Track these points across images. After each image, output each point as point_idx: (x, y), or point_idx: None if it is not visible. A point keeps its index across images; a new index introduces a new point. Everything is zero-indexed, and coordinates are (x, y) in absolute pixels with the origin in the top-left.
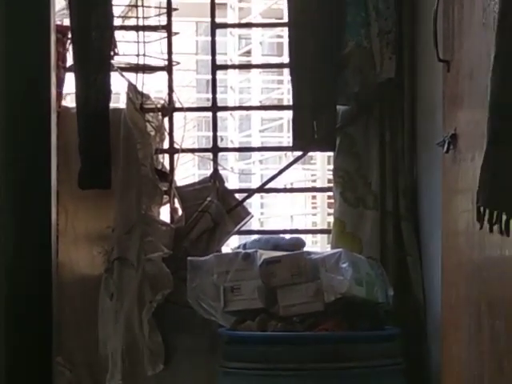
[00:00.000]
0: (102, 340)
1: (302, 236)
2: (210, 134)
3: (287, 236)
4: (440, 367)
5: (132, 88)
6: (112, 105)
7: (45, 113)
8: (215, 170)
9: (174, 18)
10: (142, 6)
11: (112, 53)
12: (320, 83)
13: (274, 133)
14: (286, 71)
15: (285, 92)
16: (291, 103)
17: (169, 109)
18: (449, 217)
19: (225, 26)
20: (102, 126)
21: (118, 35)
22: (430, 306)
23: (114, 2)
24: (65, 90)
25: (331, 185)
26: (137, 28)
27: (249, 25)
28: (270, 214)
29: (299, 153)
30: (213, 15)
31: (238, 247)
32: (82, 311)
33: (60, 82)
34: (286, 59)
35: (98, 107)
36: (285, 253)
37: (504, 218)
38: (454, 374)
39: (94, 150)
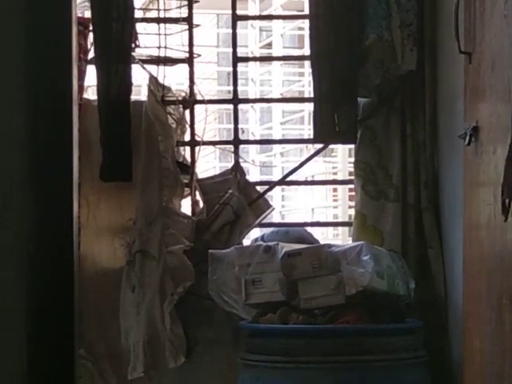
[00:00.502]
0: (124, 332)
1: (323, 229)
2: (231, 126)
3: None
4: (461, 359)
5: (153, 80)
6: (133, 97)
7: (66, 105)
8: (236, 163)
9: (194, 10)
10: None
11: (133, 45)
12: (341, 75)
13: (295, 125)
14: (307, 63)
15: (306, 84)
16: (312, 95)
17: (190, 101)
18: (470, 209)
19: (246, 18)
20: (123, 119)
21: (140, 27)
22: (451, 298)
23: None
24: (86, 83)
25: (352, 177)
26: (158, 20)
27: (270, 17)
28: (291, 207)
29: (320, 145)
30: (234, 7)
31: (256, 239)
32: (103, 304)
33: (81, 75)
34: (307, 51)
35: (120, 99)
36: (306, 245)
37: None
38: (476, 367)
39: (115, 143)
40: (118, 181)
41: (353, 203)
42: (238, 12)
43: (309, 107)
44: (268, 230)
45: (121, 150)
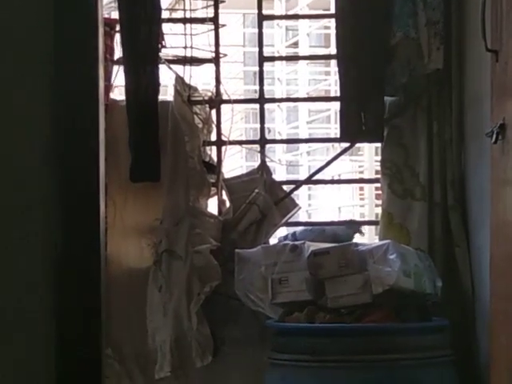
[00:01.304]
0: (151, 332)
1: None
2: (258, 125)
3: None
4: (489, 358)
5: (179, 80)
6: (160, 97)
7: (93, 106)
8: (263, 162)
9: (220, 10)
10: None
11: (160, 45)
12: (368, 74)
13: (322, 124)
14: (334, 62)
15: (332, 83)
16: (339, 94)
17: (216, 101)
18: (498, 208)
19: (272, 17)
20: (151, 119)
21: (166, 28)
22: (478, 296)
23: None
24: (113, 83)
25: (379, 176)
26: (184, 20)
27: (296, 16)
28: (317, 206)
29: (347, 144)
30: (260, 7)
31: (286, 237)
32: (130, 303)
33: (108, 75)
34: (333, 50)
35: (147, 100)
36: (332, 244)
37: None
38: (504, 365)
39: (144, 143)
40: (148, 181)
41: (379, 202)
42: (264, 12)
43: (335, 106)
44: (298, 229)
45: (149, 151)
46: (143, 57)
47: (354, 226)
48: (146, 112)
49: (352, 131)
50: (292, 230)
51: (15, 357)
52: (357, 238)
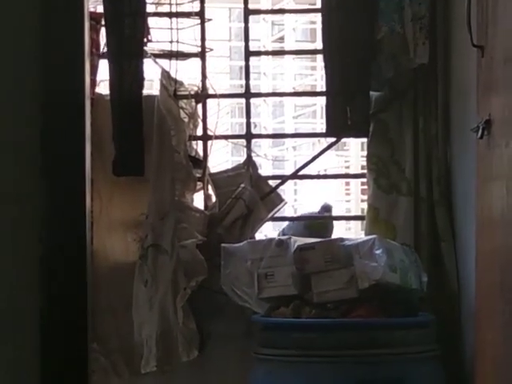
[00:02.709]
0: (137, 326)
1: (336, 223)
2: (244, 120)
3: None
4: (474, 353)
5: (165, 75)
6: (145, 92)
7: (79, 100)
8: (249, 157)
9: (206, 5)
10: None
11: (145, 39)
12: (353, 69)
13: (308, 119)
14: (320, 57)
15: (318, 78)
16: (324, 89)
17: (202, 95)
18: (483, 203)
19: (258, 12)
20: (136, 114)
21: (151, 22)
22: (464, 291)
23: None
24: (98, 77)
25: (365, 171)
26: (170, 14)
27: (282, 11)
28: (303, 201)
29: (332, 139)
30: (246, 1)
31: (279, 234)
32: (116, 298)
33: (94, 69)
34: (319, 45)
35: (132, 94)
36: (318, 240)
37: None
38: (489, 360)
39: (128, 137)
40: (131, 175)
41: (365, 197)
42: (250, 6)
43: (321, 101)
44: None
45: (133, 145)
46: (128, 51)
47: (327, 207)
48: (130, 106)
49: (338, 126)
50: (278, 225)
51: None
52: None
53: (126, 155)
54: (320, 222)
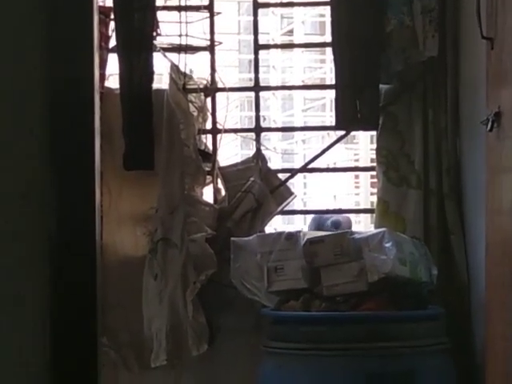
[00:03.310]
0: (147, 320)
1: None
2: (253, 113)
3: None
4: (484, 345)
5: (175, 68)
6: (155, 85)
7: (88, 94)
8: (258, 150)
9: None
10: None
11: (154, 33)
12: (363, 62)
13: (317, 112)
14: (329, 50)
15: (327, 71)
16: (334, 82)
17: (211, 89)
18: (493, 195)
19: (267, 5)
20: (145, 107)
21: (161, 16)
22: (474, 284)
23: None
24: (107, 71)
25: (374, 164)
26: (179, 8)
27: (291, 4)
28: (313, 194)
29: (342, 132)
30: None
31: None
32: (126, 292)
33: (103, 64)
34: (328, 38)
35: (141, 88)
36: (328, 233)
37: None
38: (499, 353)
39: (138, 131)
40: (141, 169)
41: (375, 190)
42: None
43: (330, 94)
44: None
45: (143, 139)
46: (137, 45)
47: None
48: (140, 100)
49: (347, 119)
50: (287, 218)
51: (9, 345)
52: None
53: (135, 149)
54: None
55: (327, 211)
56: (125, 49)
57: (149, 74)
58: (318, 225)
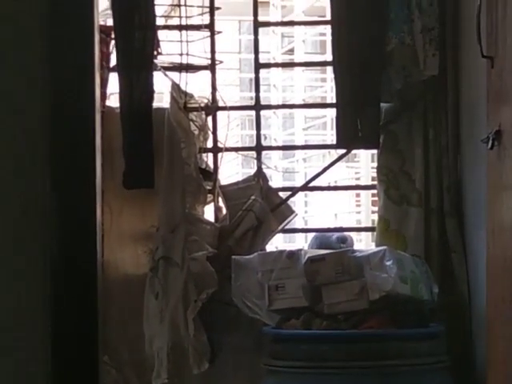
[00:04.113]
0: (148, 339)
1: (347, 233)
2: (254, 132)
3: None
4: (486, 364)
5: (175, 87)
6: (156, 104)
7: (89, 113)
8: (259, 169)
9: (216, 17)
10: (185, 5)
11: (155, 52)
12: (363, 81)
13: (318, 131)
14: (330, 69)
15: (328, 90)
16: (335, 101)
17: (212, 108)
18: (494, 214)
19: (267, 24)
20: (145, 126)
21: (162, 35)
22: (475, 302)
23: (156, 2)
24: (109, 90)
25: (375, 182)
26: (180, 27)
27: (291, 23)
28: (314, 213)
29: (343, 151)
30: (255, 14)
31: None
32: (127, 310)
33: (104, 82)
34: (329, 57)
35: (141, 107)
36: (329, 251)
37: None
38: (501, 371)
39: (138, 150)
40: (141, 188)
41: (376, 208)
42: (260, 18)
43: (331, 113)
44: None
45: (143, 158)
46: (137, 64)
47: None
48: (140, 119)
49: (348, 138)
50: (288, 236)
51: (11, 363)
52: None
53: (135, 168)
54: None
55: (328, 229)
56: (125, 67)
57: (149, 92)
58: (321, 243)
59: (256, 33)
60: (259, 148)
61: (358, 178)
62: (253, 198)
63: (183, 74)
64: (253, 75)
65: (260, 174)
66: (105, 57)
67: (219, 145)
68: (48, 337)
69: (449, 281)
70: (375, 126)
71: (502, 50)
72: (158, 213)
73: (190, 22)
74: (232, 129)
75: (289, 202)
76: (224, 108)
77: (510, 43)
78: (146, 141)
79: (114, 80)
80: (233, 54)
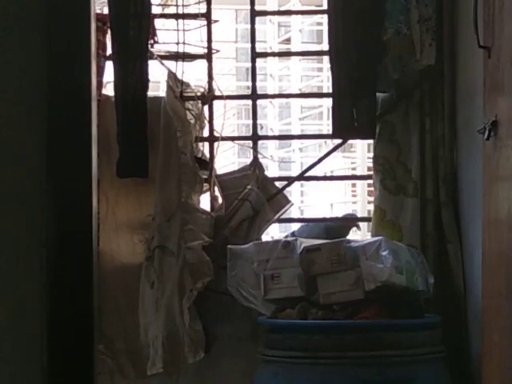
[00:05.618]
0: (143, 328)
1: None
2: (250, 121)
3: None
4: (480, 354)
5: (172, 76)
6: (152, 93)
7: (85, 101)
8: (255, 158)
9: (213, 6)
10: None
11: (151, 41)
12: (360, 70)
13: (314, 120)
14: (326, 59)
15: (324, 79)
16: (331, 91)
17: (209, 97)
18: (489, 204)
19: (264, 13)
20: (140, 115)
21: (158, 23)
22: (470, 293)
23: None
24: (105, 79)
25: (371, 172)
26: (176, 16)
27: (288, 12)
28: (309, 202)
29: (339, 141)
30: (252, 3)
31: (286, 236)
32: (122, 299)
33: (100, 71)
34: (325, 47)
35: (136, 96)
36: (324, 241)
37: None
38: (495, 361)
39: (132, 139)
40: (135, 177)
41: (372, 198)
42: (257, 7)
43: (327, 102)
44: (297, 226)
45: (137, 147)
46: (133, 53)
47: (351, 220)
48: (135, 108)
49: (344, 128)
50: (284, 226)
51: (5, 353)
52: (352, 234)
53: (129, 157)
54: (342, 226)
55: (324, 219)
56: (120, 57)
57: (144, 81)
58: (306, 232)
59: (253, 22)
60: (255, 137)
61: (354, 168)
62: (249, 187)
63: (180, 63)
64: (249, 64)
65: (256, 164)
66: (101, 45)
67: (215, 134)
68: (43, 326)
69: (444, 271)
70: (371, 115)
71: (499, 40)
72: (154, 202)
73: (187, 10)
74: (228, 118)
75: (285, 191)
76: (220, 97)
77: (507, 33)
78: (141, 130)
79: (110, 68)
80: (229, 43)
